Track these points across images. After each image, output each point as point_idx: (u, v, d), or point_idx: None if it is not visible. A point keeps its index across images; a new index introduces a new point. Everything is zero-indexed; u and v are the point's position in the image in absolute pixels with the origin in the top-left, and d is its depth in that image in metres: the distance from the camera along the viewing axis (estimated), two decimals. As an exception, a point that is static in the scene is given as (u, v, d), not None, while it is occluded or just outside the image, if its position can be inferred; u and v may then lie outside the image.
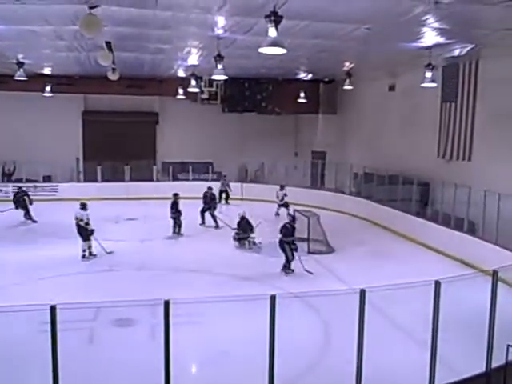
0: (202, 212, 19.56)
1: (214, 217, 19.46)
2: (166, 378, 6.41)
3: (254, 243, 16.65)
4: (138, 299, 7.89)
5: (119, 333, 9.81)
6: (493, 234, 14.08)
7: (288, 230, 14.17)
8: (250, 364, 8.15)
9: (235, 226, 17.12)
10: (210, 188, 20.25)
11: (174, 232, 18.03)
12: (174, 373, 6.43)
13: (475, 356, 7.83)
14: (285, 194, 21.47)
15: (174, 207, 18.05)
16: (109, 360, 8.64)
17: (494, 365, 7.65)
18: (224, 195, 24.35)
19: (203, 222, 19.53)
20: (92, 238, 15.07)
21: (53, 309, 5.89)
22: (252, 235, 16.81)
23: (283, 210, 20.24)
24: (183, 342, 7.94)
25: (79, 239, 14.88)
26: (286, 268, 13.81)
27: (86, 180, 25.89)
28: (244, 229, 16.85)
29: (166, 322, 6.25)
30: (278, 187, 21.89)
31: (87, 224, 14.94)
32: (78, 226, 14.98)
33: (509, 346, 7.36)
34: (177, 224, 18.09)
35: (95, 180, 25.29)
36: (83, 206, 15.30)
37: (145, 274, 13.61)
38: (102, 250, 15.21)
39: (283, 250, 13.94)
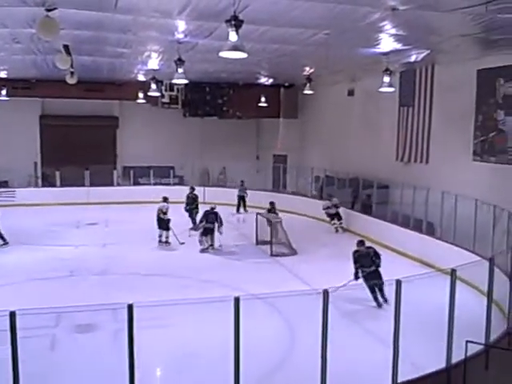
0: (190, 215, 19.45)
1: (193, 219, 19.18)
2: (131, 383, 6.36)
3: (213, 246, 16.58)
4: (99, 304, 7.78)
5: (81, 339, 9.66)
6: (450, 234, 14.45)
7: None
8: (215, 366, 8.16)
9: (198, 223, 17.07)
10: (192, 188, 20.15)
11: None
12: (138, 377, 6.38)
13: (436, 352, 8.03)
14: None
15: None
16: (71, 366, 8.50)
17: (454, 360, 7.86)
18: (242, 202, 23.66)
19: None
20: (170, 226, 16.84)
21: (12, 315, 5.78)
22: (220, 229, 16.61)
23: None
24: (147, 347, 7.88)
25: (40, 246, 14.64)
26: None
27: (44, 185, 25.43)
28: (211, 221, 16.64)
29: (130, 325, 6.20)
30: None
31: (165, 214, 16.88)
32: (159, 217, 16.87)
33: (467, 342, 7.56)
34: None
35: (54, 185, 24.83)
36: (165, 199, 17.35)
37: (107, 279, 13.44)
38: (176, 240, 16.84)
39: None
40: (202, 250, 16.45)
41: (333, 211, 19.75)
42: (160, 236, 17.09)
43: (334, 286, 8.32)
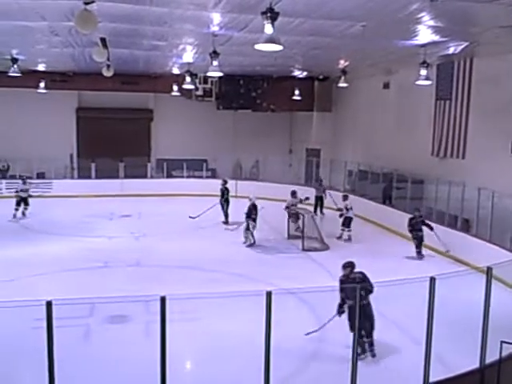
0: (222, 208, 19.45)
1: (224, 212, 19.15)
2: (162, 375, 6.41)
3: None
4: (132, 296, 7.89)
5: (114, 329, 9.80)
6: (487, 231, 14.15)
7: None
8: (246, 360, 8.17)
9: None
10: (224, 181, 19.93)
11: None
12: (169, 369, 6.44)
13: (469, 352, 7.88)
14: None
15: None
16: (104, 357, 8.63)
17: (488, 361, 7.70)
18: (320, 202, 21.75)
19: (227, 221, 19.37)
20: None
21: (49, 305, 5.88)
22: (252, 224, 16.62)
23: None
24: (178, 339, 7.94)
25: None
26: None
27: (80, 177, 25.88)
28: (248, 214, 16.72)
29: (163, 318, 6.24)
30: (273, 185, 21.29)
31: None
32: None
33: (502, 342, 7.39)
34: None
35: (89, 177, 25.25)
36: (293, 193, 18.32)
37: (139, 271, 13.62)
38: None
39: None
40: (249, 245, 16.50)
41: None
42: None
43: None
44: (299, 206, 18.09)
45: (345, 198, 18.20)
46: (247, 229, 16.62)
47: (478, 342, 7.75)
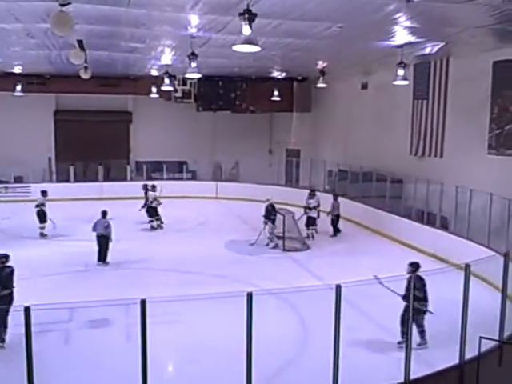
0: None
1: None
2: (143, 378, 6.39)
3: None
4: (112, 299, 7.82)
5: (95, 334, 9.73)
6: (464, 228, 14.34)
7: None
8: (227, 361, 8.17)
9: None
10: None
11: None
12: (151, 372, 6.41)
13: (449, 349, 7.98)
14: None
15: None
16: (85, 361, 8.55)
17: (468, 357, 7.80)
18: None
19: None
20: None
21: (27, 310, 5.82)
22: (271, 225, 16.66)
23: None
24: (160, 342, 7.92)
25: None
26: None
27: (58, 180, 25.56)
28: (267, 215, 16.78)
29: (143, 321, 6.22)
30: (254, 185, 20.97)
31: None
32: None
33: (481, 337, 7.50)
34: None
35: (68, 180, 24.98)
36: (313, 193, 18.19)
37: (120, 274, 13.54)
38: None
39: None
40: (274, 247, 16.49)
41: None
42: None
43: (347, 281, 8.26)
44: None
45: (310, 196, 18.34)
46: (271, 231, 16.65)
47: (457, 338, 7.86)
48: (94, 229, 14.63)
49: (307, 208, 18.08)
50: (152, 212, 18.94)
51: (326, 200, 18.74)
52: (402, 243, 16.67)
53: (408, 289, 8.64)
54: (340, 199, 18.99)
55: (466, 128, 16.30)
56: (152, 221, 18.92)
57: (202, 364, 8.57)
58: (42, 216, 17.72)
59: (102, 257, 14.47)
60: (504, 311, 8.65)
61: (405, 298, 8.71)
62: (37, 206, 17.81)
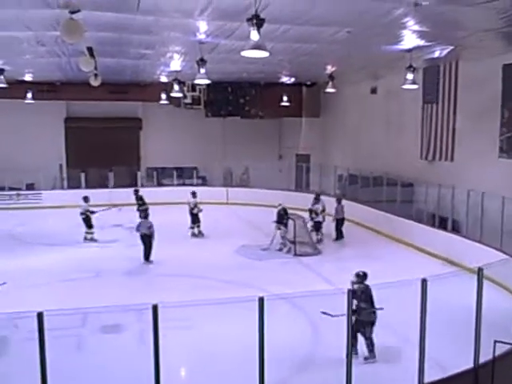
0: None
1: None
2: (156, 383, 6.39)
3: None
4: (124, 305, 7.85)
5: (107, 339, 9.75)
6: (477, 232, 14.25)
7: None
8: (240, 366, 8.15)
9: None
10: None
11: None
12: (163, 377, 6.41)
13: (463, 353, 7.91)
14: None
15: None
16: (97, 367, 8.57)
17: (482, 360, 7.73)
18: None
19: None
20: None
21: (40, 316, 5.84)
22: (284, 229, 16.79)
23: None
24: (172, 347, 7.92)
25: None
26: None
27: (69, 187, 25.68)
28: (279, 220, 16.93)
29: (155, 326, 6.22)
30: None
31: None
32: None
33: (496, 341, 7.43)
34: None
35: (79, 187, 25.09)
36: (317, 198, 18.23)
37: (132, 280, 13.59)
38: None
39: None
40: (288, 251, 16.52)
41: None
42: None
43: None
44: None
45: (315, 201, 18.34)
46: (284, 236, 16.72)
47: (471, 342, 7.79)
48: (138, 229, 15.55)
49: (314, 213, 18.05)
50: (194, 218, 18.77)
51: (332, 204, 18.75)
52: (414, 247, 16.59)
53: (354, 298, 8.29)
54: (348, 203, 18.97)
55: (477, 132, 16.22)
56: (193, 227, 18.82)
57: (214, 369, 8.56)
58: (88, 222, 18.05)
59: (147, 255, 15.32)
60: (518, 315, 8.58)
61: (354, 312, 8.30)
62: (81, 213, 18.05)
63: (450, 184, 15.76)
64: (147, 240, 15.41)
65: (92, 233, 18.02)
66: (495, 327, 8.08)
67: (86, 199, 18.28)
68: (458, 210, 15.54)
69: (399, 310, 10.17)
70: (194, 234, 18.79)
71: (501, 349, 7.62)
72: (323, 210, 18.10)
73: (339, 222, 18.40)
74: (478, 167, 15.87)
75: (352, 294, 7.97)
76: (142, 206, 19.78)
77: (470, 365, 7.73)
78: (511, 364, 7.97)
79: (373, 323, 8.84)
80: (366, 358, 8.80)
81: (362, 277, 8.92)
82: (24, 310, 5.87)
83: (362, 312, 8.53)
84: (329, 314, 8.09)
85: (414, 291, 8.02)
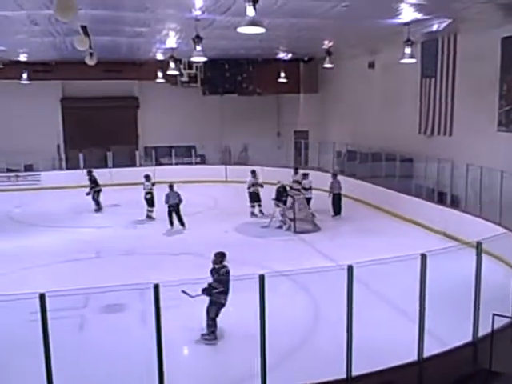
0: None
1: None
2: (159, 361, 6.45)
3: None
4: (126, 284, 7.88)
5: (109, 319, 9.82)
6: (476, 206, 14.27)
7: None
8: (242, 343, 8.23)
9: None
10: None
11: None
12: (166, 355, 6.48)
13: (462, 326, 7.99)
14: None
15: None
16: (100, 346, 8.65)
17: (481, 334, 7.82)
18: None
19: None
20: None
21: (42, 297, 5.88)
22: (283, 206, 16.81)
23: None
24: (175, 325, 7.98)
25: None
26: None
27: (68, 167, 25.64)
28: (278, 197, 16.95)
29: (157, 305, 6.27)
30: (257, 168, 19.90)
31: None
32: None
33: (494, 315, 7.50)
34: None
35: (77, 167, 25.03)
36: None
37: (132, 259, 13.61)
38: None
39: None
40: (288, 229, 16.48)
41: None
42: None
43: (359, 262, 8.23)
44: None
45: (304, 176, 18.43)
46: (283, 213, 16.71)
47: (470, 315, 7.86)
48: (167, 201, 16.48)
49: (303, 188, 18.05)
50: (254, 197, 18.40)
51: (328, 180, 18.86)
52: (414, 222, 16.64)
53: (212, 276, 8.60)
54: (347, 179, 19.02)
55: (475, 106, 16.13)
56: (253, 206, 18.44)
57: (216, 346, 8.65)
58: (150, 201, 18.05)
59: (181, 222, 16.53)
60: (516, 288, 8.65)
61: (204, 291, 8.53)
62: (147, 192, 18.07)
63: (449, 158, 15.74)
64: (177, 209, 16.47)
65: (152, 211, 18.03)
66: (494, 301, 8.14)
67: (147, 178, 18.30)
68: (456, 185, 15.54)
69: (400, 285, 10.26)
70: (253, 214, 18.39)
71: (499, 322, 7.70)
72: (310, 188, 18.18)
73: (335, 197, 18.41)
74: (477, 141, 15.83)
75: (210, 272, 8.62)
76: (95, 188, 19.65)
77: (469, 338, 7.82)
78: (509, 337, 8.05)
79: (222, 305, 8.73)
80: (202, 335, 8.84)
81: (218, 257, 8.81)
82: (25, 292, 5.88)
83: (212, 292, 8.60)
84: (189, 295, 8.25)
85: (413, 266, 8.08)
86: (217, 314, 8.77)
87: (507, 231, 11.31)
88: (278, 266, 11.08)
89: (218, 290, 8.57)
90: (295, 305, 10.21)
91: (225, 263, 8.76)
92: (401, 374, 7.29)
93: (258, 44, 18.80)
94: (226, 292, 8.65)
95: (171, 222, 16.59)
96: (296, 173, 19.31)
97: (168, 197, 16.50)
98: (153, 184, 18.17)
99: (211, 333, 8.81)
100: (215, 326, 8.82)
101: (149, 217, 18.01)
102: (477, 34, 15.52)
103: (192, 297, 8.33)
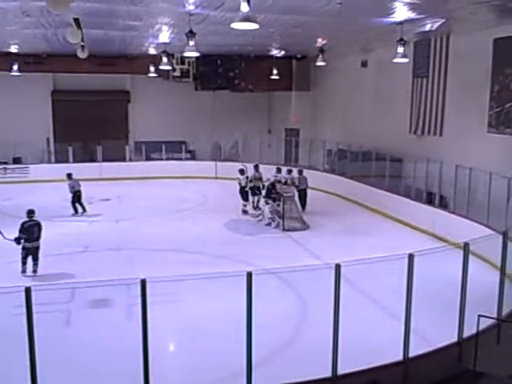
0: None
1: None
2: (145, 357, 6.43)
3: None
4: (113, 279, 7.85)
5: (95, 314, 9.77)
6: (464, 207, 14.33)
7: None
8: (228, 341, 8.21)
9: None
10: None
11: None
12: (152, 352, 6.45)
13: (447, 327, 8.03)
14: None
15: None
16: (86, 341, 8.60)
17: (466, 335, 7.86)
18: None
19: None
20: None
21: (28, 291, 5.83)
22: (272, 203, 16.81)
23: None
24: (160, 321, 7.95)
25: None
26: None
27: (57, 161, 25.45)
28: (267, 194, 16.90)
29: (143, 301, 6.25)
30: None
31: None
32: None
33: (479, 316, 7.54)
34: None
35: (67, 161, 24.87)
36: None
37: (120, 254, 13.55)
38: None
39: None
40: (276, 226, 16.48)
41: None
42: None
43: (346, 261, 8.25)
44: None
45: (288, 172, 18.45)
46: (272, 210, 16.66)
47: (456, 316, 7.90)
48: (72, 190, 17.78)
49: (292, 184, 17.83)
50: (255, 191, 18.16)
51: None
52: (402, 222, 16.69)
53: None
54: (337, 178, 19.01)
55: (466, 106, 16.20)
56: (245, 205, 18.20)
57: (202, 343, 8.63)
58: (246, 194, 17.99)
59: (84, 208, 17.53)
60: (502, 289, 8.70)
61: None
62: (242, 187, 18.00)
63: (439, 159, 15.79)
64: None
65: (246, 205, 18.02)
66: (480, 302, 8.20)
67: (242, 172, 18.16)
68: (445, 186, 15.60)
69: (386, 285, 10.30)
70: (244, 212, 18.23)
71: (484, 323, 7.74)
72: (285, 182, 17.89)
73: (301, 193, 18.47)
74: (467, 142, 15.90)
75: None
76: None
77: (455, 339, 7.86)
78: (494, 338, 8.11)
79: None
80: None
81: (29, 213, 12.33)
82: (11, 286, 5.83)
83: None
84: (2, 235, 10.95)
85: (400, 265, 8.10)
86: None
87: (494, 233, 11.37)
88: (266, 264, 11.10)
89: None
90: (282, 303, 10.21)
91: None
92: (386, 373, 7.32)
93: (251, 40, 18.75)
94: None
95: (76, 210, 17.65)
96: (279, 172, 18.68)
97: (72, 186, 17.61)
98: (247, 177, 18.04)
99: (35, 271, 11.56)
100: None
101: (244, 211, 17.99)
102: (469, 35, 15.58)
103: (5, 238, 10.93)
